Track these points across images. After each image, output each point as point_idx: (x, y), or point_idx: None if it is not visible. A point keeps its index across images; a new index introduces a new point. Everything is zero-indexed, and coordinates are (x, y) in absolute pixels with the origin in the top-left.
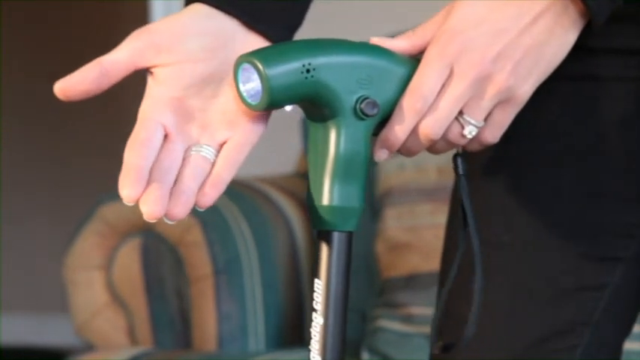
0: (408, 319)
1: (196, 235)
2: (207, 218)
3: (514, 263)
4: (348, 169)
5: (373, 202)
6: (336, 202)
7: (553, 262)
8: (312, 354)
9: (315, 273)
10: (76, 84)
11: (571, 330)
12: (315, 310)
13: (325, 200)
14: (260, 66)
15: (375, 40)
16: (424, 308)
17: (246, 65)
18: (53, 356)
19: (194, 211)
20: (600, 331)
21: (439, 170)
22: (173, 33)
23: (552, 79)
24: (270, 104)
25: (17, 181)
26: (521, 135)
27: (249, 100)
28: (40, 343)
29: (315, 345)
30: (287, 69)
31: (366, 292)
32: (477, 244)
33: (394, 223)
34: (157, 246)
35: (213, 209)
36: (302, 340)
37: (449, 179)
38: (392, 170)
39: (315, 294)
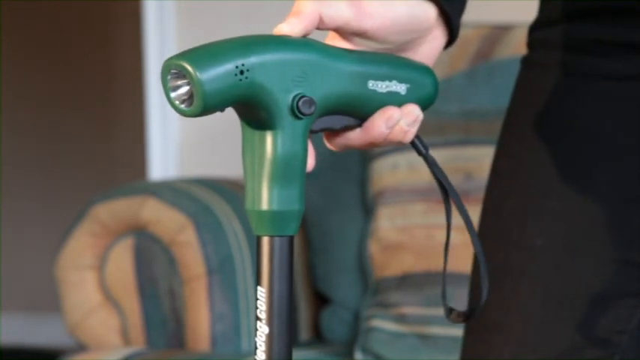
0: (401, 319)
1: (189, 235)
2: (200, 218)
3: (547, 268)
4: (287, 172)
5: (366, 202)
6: (275, 207)
7: (587, 267)
8: None
9: (257, 280)
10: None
11: (607, 338)
12: (259, 318)
13: (264, 205)
14: (191, 70)
15: (276, 30)
16: (417, 308)
17: (175, 69)
18: (46, 356)
19: (187, 211)
20: (637, 340)
21: None
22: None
23: (589, 80)
24: (204, 109)
25: (13, 183)
26: (558, 137)
27: (181, 107)
28: (32, 343)
29: (262, 355)
30: (220, 72)
31: (359, 292)
32: (465, 213)
33: (387, 223)
34: (149, 246)
35: (206, 209)
36: (296, 340)
37: None
38: (385, 170)
39: (258, 302)
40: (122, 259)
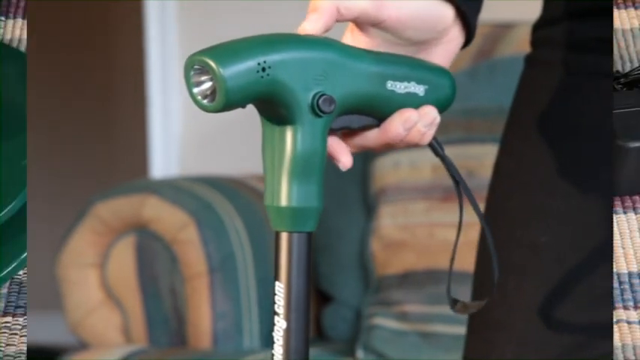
0: (403, 317)
1: (191, 233)
2: (201, 216)
3: (551, 266)
4: (306, 168)
5: (368, 200)
6: (294, 203)
7: (590, 265)
8: (275, 358)
9: (275, 275)
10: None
11: (609, 336)
12: (277, 313)
13: (284, 201)
14: (214, 66)
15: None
16: (419, 306)
17: (198, 65)
18: (47, 354)
19: (189, 209)
20: None
21: (434, 168)
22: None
23: (592, 78)
24: (226, 105)
25: None
26: (561, 135)
27: (203, 102)
28: (33, 342)
29: (279, 349)
30: (242, 68)
31: (361, 290)
32: (480, 214)
33: (389, 221)
34: (151, 244)
35: (208, 207)
36: None
37: (443, 177)
38: (387, 168)
39: (276, 297)
40: (124, 257)
